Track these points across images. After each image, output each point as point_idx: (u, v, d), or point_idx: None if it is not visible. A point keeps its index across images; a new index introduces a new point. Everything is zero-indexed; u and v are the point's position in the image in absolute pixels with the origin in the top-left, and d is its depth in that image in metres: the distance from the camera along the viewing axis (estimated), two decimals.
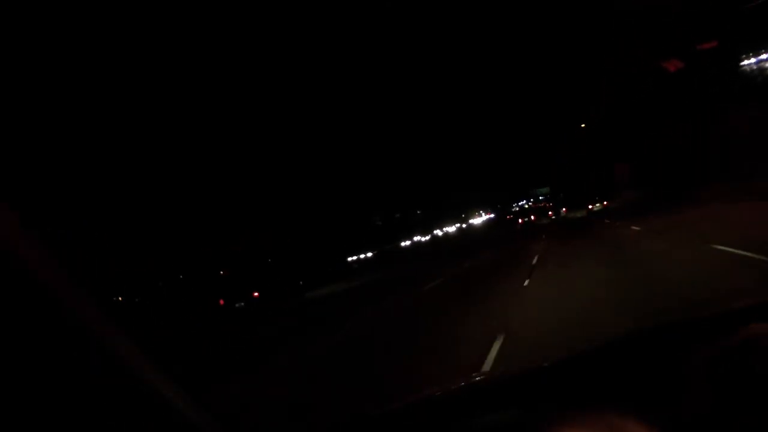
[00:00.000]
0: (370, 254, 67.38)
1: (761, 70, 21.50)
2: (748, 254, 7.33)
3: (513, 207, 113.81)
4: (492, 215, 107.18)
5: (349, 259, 62.14)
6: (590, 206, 50.31)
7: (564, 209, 67.49)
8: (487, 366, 5.35)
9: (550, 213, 73.90)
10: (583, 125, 49.31)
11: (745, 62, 22.22)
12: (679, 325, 1.66)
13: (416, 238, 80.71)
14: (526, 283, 11.01)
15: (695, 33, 22.60)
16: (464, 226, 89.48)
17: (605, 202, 49.11)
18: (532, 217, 78.53)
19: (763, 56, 21.33)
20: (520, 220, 78.77)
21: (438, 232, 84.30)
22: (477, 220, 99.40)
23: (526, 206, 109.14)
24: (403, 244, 77.52)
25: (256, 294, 31.58)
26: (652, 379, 1.30)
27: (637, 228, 17.03)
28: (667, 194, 29.19)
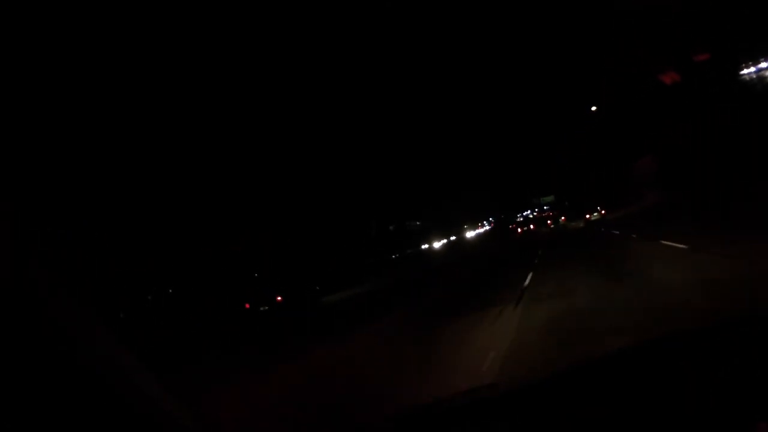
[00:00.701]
0: None
1: (761, 78, 21.56)
2: None
3: (518, 217, 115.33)
4: (489, 226, 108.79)
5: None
6: (588, 216, 49.77)
7: (563, 218, 73.13)
8: None
9: (549, 222, 79.52)
10: (594, 107, 45.58)
11: (745, 71, 22.29)
12: (679, 335, 1.68)
13: (394, 256, 71.38)
14: None
15: (694, 41, 22.61)
16: (453, 239, 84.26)
17: (603, 212, 48.15)
18: (532, 227, 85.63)
19: (763, 65, 21.40)
20: (519, 230, 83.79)
21: (425, 246, 76.08)
22: (472, 233, 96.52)
23: (530, 216, 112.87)
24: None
25: (279, 298, 33.23)
26: (654, 387, 1.31)
27: None
28: (708, 199, 21.81)
